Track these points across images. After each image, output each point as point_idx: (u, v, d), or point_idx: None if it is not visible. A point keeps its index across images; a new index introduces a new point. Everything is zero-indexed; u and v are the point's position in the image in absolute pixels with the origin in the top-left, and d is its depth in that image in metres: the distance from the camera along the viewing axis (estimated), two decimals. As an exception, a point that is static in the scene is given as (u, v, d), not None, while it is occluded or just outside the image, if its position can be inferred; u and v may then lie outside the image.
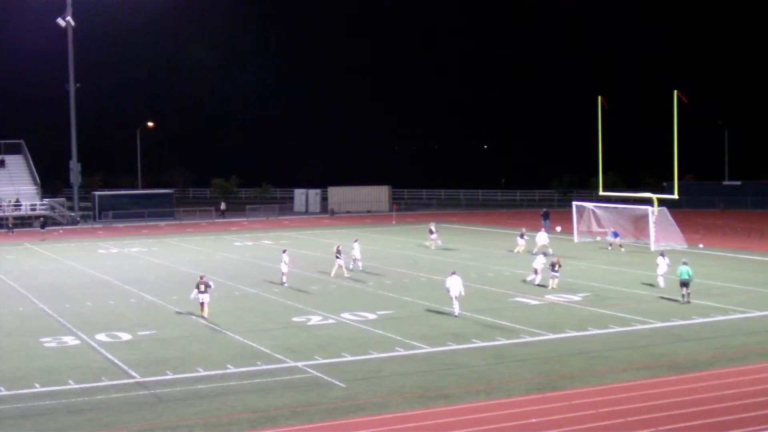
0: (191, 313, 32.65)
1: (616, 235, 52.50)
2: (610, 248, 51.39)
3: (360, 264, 43.91)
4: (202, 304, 31.78)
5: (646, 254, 48.89)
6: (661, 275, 36.65)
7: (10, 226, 71.16)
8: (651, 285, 37.46)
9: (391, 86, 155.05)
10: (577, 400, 20.92)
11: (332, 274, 41.85)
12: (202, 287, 31.70)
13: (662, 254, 37.66)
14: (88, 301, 35.97)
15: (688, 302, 33.09)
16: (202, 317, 31.65)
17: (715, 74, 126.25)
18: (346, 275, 41.77)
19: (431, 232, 54.43)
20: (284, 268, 39.49)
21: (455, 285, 31.37)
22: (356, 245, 44.40)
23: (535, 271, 38.54)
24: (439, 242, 53.95)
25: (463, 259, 48.30)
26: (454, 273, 31.96)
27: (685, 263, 33.74)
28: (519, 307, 33.15)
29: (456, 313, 31.30)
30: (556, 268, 36.83)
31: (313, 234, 65.45)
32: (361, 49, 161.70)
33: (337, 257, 42.16)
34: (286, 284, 39.10)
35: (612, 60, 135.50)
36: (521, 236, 51.18)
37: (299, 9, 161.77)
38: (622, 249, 50.99)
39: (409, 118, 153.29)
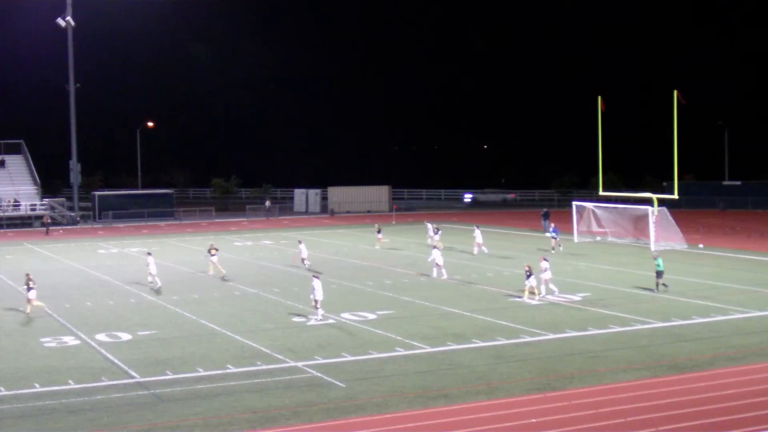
0: (191, 313, 32.69)
1: (555, 231, 51.41)
2: (554, 251, 49.39)
3: (306, 263, 44.48)
4: (29, 300, 32.76)
5: (646, 254, 48.89)
6: (548, 279, 35.28)
7: (46, 224, 70.99)
8: (650, 285, 37.41)
9: (391, 86, 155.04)
10: (577, 400, 20.91)
11: (210, 274, 41.98)
12: (32, 283, 32.99)
13: (545, 259, 36.34)
14: (88, 301, 35.97)
15: (666, 289, 35.57)
16: (27, 312, 32.65)
17: (715, 74, 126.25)
18: (224, 273, 41.78)
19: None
20: (152, 269, 38.98)
21: (319, 289, 30.93)
22: (302, 246, 45.24)
23: (436, 265, 40.61)
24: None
25: (463, 259, 48.29)
26: (316, 277, 31.68)
27: (657, 257, 36.64)
28: (519, 307, 33.14)
29: (319, 317, 30.95)
30: (529, 275, 34.69)
31: (313, 234, 65.42)
32: (361, 48, 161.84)
33: (212, 255, 42.28)
34: (159, 285, 38.63)
35: (612, 60, 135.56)
36: (436, 231, 53.70)
37: (298, 9, 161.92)
38: (560, 248, 50.11)
39: (408, 118, 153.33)
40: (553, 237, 50.85)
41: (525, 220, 75.30)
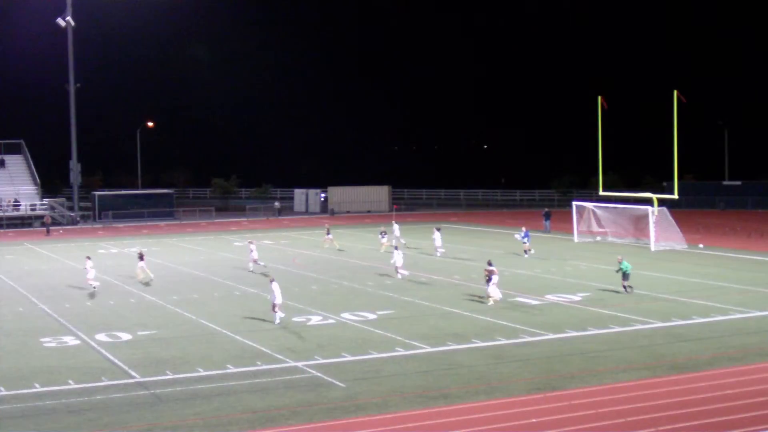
0: (191, 313, 32.70)
1: (527, 235, 49.08)
2: (526, 255, 48.06)
3: (252, 265, 43.75)
4: None
5: (645, 254, 48.92)
6: (495, 285, 33.99)
7: (46, 224, 70.93)
8: (648, 286, 37.46)
9: (391, 86, 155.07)
10: (577, 400, 20.91)
11: (139, 279, 40.86)
12: None
13: (490, 263, 35.10)
14: (88, 301, 35.97)
15: (631, 291, 35.39)
16: None
17: (715, 74, 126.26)
18: (151, 277, 40.75)
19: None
20: (90, 274, 38.12)
21: (278, 293, 30.23)
22: (252, 246, 44.72)
23: (395, 267, 40.81)
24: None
25: (462, 259, 48.30)
26: (273, 280, 30.86)
27: (622, 260, 36.08)
28: (519, 307, 33.13)
29: (277, 321, 30.21)
30: (488, 278, 33.85)
31: (313, 234, 65.40)
32: (361, 48, 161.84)
33: (140, 260, 41.23)
34: (94, 288, 37.85)
35: (612, 60, 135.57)
36: (382, 234, 52.65)
37: (298, 9, 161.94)
38: (531, 252, 48.20)
39: (409, 118, 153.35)
40: (524, 241, 48.84)
41: (526, 220, 75.27)
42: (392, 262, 41.49)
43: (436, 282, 39.88)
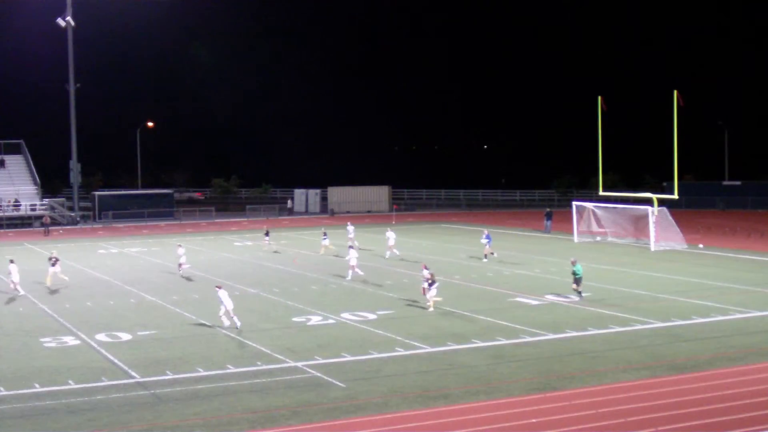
0: (191, 313, 32.70)
1: (488, 238, 47.81)
2: (485, 259, 47.06)
3: (183, 268, 42.97)
4: None
5: (645, 254, 48.94)
6: (432, 296, 32.80)
7: (45, 225, 70.90)
8: (651, 287, 37.44)
9: (391, 86, 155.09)
10: (577, 400, 20.90)
11: (48, 283, 39.79)
12: None
13: (427, 265, 34.36)
14: (88, 301, 35.96)
15: (581, 298, 34.26)
16: None
17: (715, 74, 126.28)
18: (63, 280, 40.01)
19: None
20: (15, 278, 37.59)
21: (227, 300, 29.44)
22: (181, 250, 43.89)
23: (350, 266, 40.72)
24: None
25: (462, 259, 48.29)
26: (221, 287, 30.11)
27: (575, 262, 34.83)
28: (519, 307, 33.14)
29: (235, 325, 29.45)
30: (430, 283, 32.78)
31: (313, 234, 65.40)
32: (361, 48, 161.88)
33: (52, 265, 40.12)
34: (21, 293, 37.35)
35: (612, 60, 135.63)
36: (324, 236, 51.54)
37: (298, 9, 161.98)
38: (494, 255, 47.59)
39: (409, 118, 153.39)
40: (486, 244, 47.71)
41: (527, 219, 75.35)
42: (347, 259, 41.33)
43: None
